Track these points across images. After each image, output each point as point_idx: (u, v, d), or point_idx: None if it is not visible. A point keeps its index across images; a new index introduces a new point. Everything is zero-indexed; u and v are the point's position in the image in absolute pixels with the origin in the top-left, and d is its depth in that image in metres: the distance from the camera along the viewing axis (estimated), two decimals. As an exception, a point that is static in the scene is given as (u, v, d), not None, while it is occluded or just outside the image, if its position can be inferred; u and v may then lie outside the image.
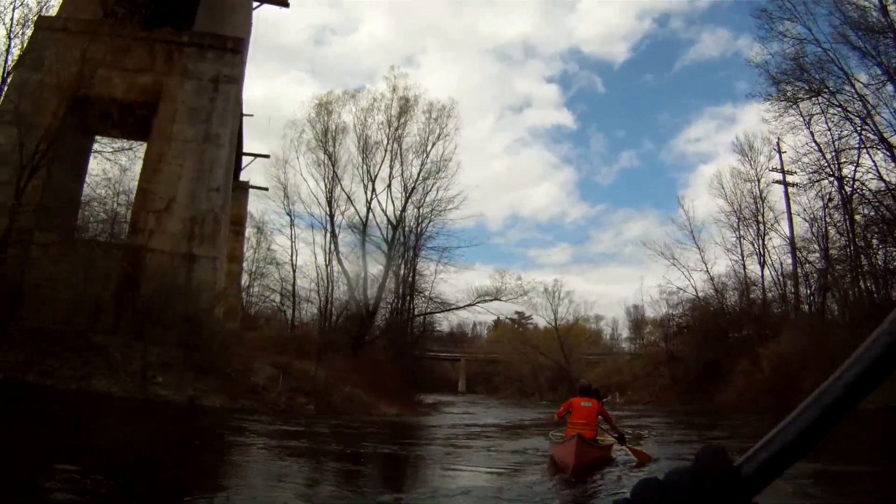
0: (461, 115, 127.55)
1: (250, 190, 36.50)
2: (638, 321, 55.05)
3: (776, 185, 34.02)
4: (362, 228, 31.78)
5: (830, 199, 26.30)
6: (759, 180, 35.34)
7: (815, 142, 25.37)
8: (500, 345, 66.58)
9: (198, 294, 17.90)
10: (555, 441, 9.55)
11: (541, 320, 60.73)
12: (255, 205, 38.37)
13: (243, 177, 35.74)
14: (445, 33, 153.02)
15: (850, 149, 24.30)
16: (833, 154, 24.90)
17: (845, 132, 24.25)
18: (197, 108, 20.62)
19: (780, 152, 33.20)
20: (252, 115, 33.34)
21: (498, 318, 67.16)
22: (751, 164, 35.88)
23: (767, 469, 0.62)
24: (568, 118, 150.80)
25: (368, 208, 31.97)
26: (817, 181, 25.69)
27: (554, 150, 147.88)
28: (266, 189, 35.44)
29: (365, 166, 32.21)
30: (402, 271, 33.76)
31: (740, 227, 36.19)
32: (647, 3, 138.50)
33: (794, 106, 25.13)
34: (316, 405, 17.63)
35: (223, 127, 20.47)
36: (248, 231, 39.17)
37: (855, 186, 24.28)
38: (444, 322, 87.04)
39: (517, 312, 65.03)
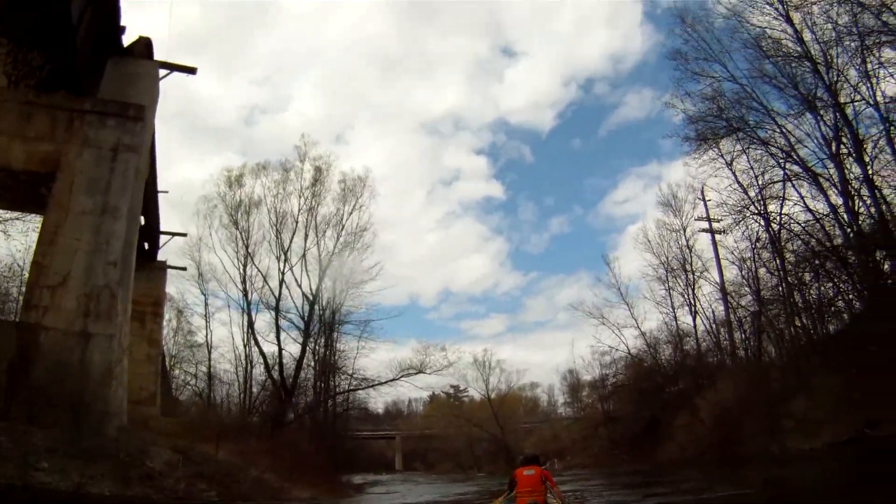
0: (394, 190, 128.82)
1: (169, 271, 34.25)
2: (574, 385, 53.64)
3: (703, 235, 33.97)
4: (275, 304, 29.83)
5: (758, 240, 25.81)
6: (684, 230, 35.35)
7: (738, 181, 25.09)
8: (435, 419, 64.63)
9: (91, 374, 15.97)
10: None
11: (476, 392, 59.04)
12: (176, 286, 35.95)
13: (162, 256, 33.58)
14: (375, 108, 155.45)
15: (774, 182, 23.87)
16: (757, 191, 24.52)
17: (768, 167, 23.95)
18: (96, 178, 18.90)
19: (703, 199, 33.24)
20: (167, 192, 31.73)
21: (433, 392, 65.69)
22: (675, 215, 35.95)
23: None
24: (498, 189, 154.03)
25: (281, 284, 30.41)
26: (743, 220, 25.08)
27: (485, 220, 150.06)
28: (185, 269, 33.68)
29: (277, 240, 30.88)
30: (320, 349, 31.77)
31: (669, 279, 35.86)
32: (572, 69, 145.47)
33: (715, 146, 24.93)
34: (219, 492, 15.48)
35: (122, 198, 18.84)
36: (170, 314, 37.17)
37: (782, 222, 23.78)
38: (379, 400, 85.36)
39: (452, 386, 63.73)
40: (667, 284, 35.98)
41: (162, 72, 23.68)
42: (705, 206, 33.36)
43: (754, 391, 23.56)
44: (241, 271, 30.71)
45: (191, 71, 24.17)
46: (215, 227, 31.48)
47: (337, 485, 24.95)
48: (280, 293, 30.18)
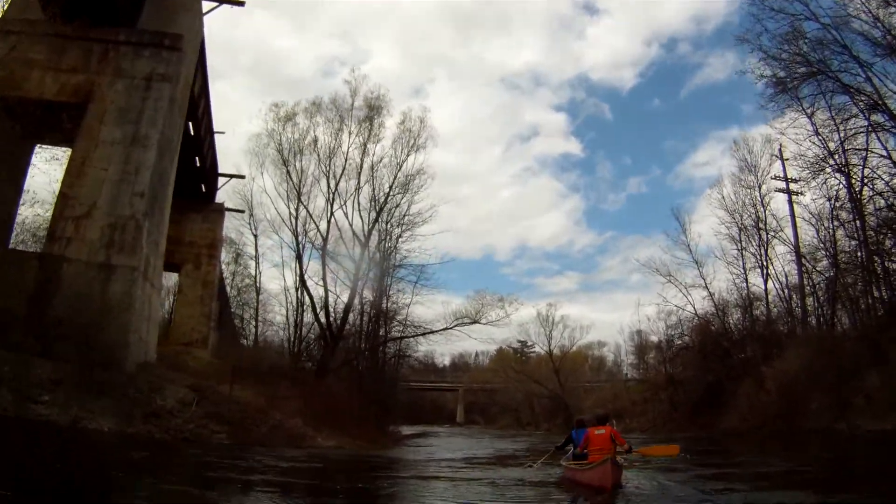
0: (471, 145, 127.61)
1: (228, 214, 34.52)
2: (640, 346, 52.26)
3: (780, 195, 31.77)
4: (322, 245, 29.42)
5: (837, 199, 23.79)
6: (759, 187, 33.05)
7: (818, 133, 22.85)
8: (498, 374, 63.79)
9: (111, 307, 15.97)
10: (576, 468, 10.42)
11: (541, 348, 58.27)
12: (236, 230, 36.12)
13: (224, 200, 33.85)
14: (453, 64, 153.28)
15: (857, 133, 21.53)
16: (838, 143, 22.24)
17: (851, 116, 21.59)
18: (127, 108, 19.19)
19: (781, 157, 31.13)
20: (223, 133, 31.66)
21: (500, 347, 65.28)
22: (750, 171, 33.72)
23: None
24: (576, 146, 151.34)
25: (329, 222, 29.70)
26: (821, 175, 22.77)
27: (561, 178, 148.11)
28: (243, 212, 33.88)
29: (326, 179, 30.11)
30: (371, 293, 31.42)
31: (742, 239, 33.72)
32: (654, 28, 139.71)
33: (793, 94, 22.78)
34: (231, 434, 15.31)
35: (153, 128, 18.93)
36: (229, 257, 37.67)
37: (865, 178, 21.68)
38: (445, 353, 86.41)
39: (519, 341, 63.24)
40: (739, 244, 33.82)
41: (207, 5, 23.44)
42: (782, 162, 31.24)
43: (824, 363, 22.07)
44: (294, 212, 30.22)
45: (238, 3, 23.69)
46: (266, 166, 31.03)
47: (379, 435, 24.84)
48: (328, 233, 29.57)
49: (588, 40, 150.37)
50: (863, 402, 18.43)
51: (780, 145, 30.34)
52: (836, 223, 24.89)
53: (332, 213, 29.55)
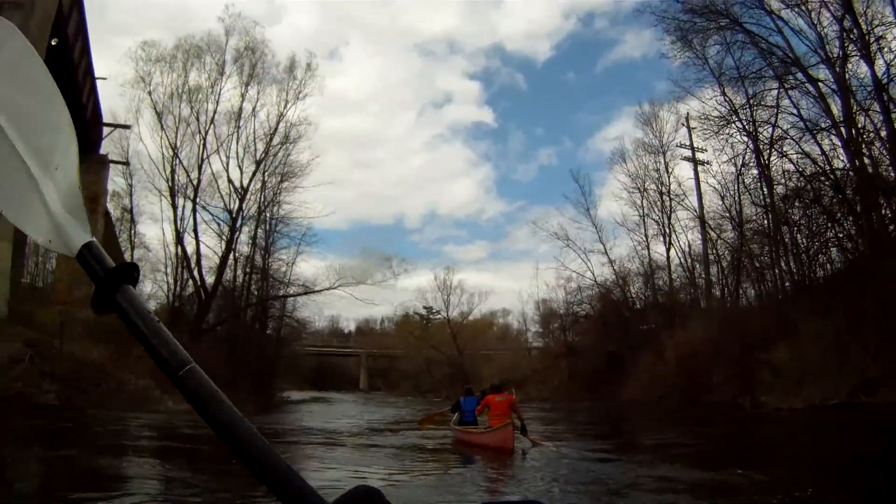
0: (384, 109, 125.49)
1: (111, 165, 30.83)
2: (545, 315, 51.49)
3: (684, 164, 30.76)
4: (193, 195, 26.36)
5: (744, 164, 22.53)
6: (664, 153, 32.00)
7: (724, 93, 21.38)
8: (400, 340, 62.23)
9: None
10: (474, 431, 11.30)
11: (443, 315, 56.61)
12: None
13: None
14: (369, 26, 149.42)
15: (766, 90, 20.08)
16: (745, 102, 20.68)
17: (761, 77, 20.15)
18: None
19: (688, 125, 29.91)
20: (105, 79, 27.78)
21: (407, 313, 63.40)
22: (655, 136, 32.63)
23: None
24: (489, 115, 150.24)
25: (201, 169, 26.85)
26: (724, 128, 21.27)
27: (473, 146, 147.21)
28: (127, 164, 30.07)
29: (198, 125, 27.07)
30: (250, 248, 28.57)
31: (644, 205, 32.65)
32: (573, 1, 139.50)
33: (698, 49, 21.25)
34: (61, 394, 14.01)
35: None
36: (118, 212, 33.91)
37: (773, 141, 20.35)
38: (350, 318, 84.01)
39: (425, 307, 61.47)
40: (642, 210, 32.79)
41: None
42: (688, 128, 30.13)
43: (728, 335, 21.15)
44: (168, 161, 27.39)
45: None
46: (142, 112, 28.03)
47: (260, 400, 22.65)
48: (199, 182, 26.84)
49: (505, 10, 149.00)
50: (769, 377, 17.34)
51: (688, 114, 29.31)
52: (741, 189, 23.70)
53: (202, 161, 26.62)
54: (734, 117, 20.61)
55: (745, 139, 21.27)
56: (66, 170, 0.82)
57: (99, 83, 27.47)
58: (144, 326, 0.79)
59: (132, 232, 32.84)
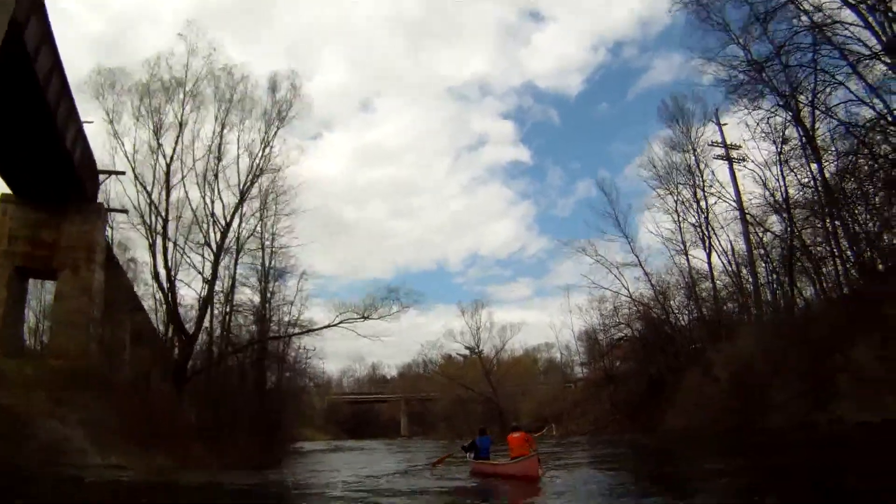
0: (420, 157, 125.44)
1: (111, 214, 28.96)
2: (588, 343, 47.79)
3: (719, 162, 27.27)
4: (163, 226, 24.21)
5: (785, 141, 18.82)
6: (694, 150, 28.70)
7: (751, 59, 17.74)
8: (435, 382, 59.04)
9: None
10: (498, 463, 13.14)
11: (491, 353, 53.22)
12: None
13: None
14: (401, 76, 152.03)
15: (799, 49, 15.70)
16: (779, 69, 16.51)
17: (795, 35, 15.81)
18: None
19: (717, 121, 26.75)
20: (92, 122, 25.95)
21: (450, 354, 60.49)
22: (683, 133, 29.30)
23: None
24: (524, 153, 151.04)
25: (167, 201, 24.78)
26: (757, 98, 17.46)
27: (511, 185, 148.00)
28: (125, 212, 28.12)
29: (161, 152, 25.19)
30: (230, 290, 25.96)
31: (679, 209, 29.10)
32: (600, 32, 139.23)
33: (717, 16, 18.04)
34: None
35: None
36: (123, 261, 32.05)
37: (815, 108, 16.60)
38: (392, 364, 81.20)
39: (467, 347, 58.21)
40: (676, 214, 29.30)
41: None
42: (718, 123, 26.86)
43: (788, 342, 17.35)
44: (147, 198, 25.43)
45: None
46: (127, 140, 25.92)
47: (244, 454, 19.72)
48: (167, 213, 24.59)
49: (534, 47, 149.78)
50: (848, 384, 13.52)
51: (716, 108, 26.44)
52: (785, 170, 19.81)
53: (168, 190, 24.69)
54: (765, 75, 16.91)
55: (780, 106, 17.52)
56: None
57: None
58: None
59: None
